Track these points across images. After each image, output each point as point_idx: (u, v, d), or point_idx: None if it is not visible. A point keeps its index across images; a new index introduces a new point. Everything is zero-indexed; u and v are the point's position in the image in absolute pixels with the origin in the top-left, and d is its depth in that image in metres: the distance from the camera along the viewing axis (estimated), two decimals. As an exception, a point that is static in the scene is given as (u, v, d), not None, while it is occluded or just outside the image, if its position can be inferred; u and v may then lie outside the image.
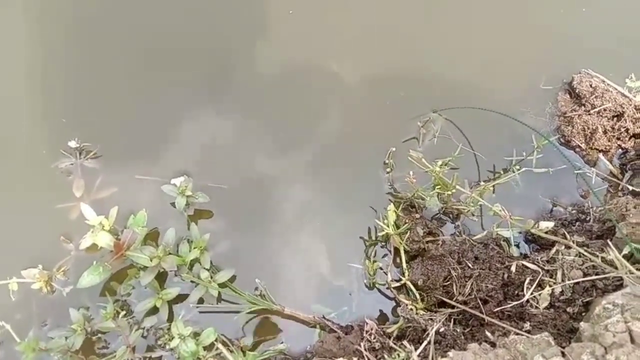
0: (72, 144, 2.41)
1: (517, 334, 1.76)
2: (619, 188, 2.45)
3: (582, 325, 1.66)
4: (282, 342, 2.13)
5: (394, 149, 2.48)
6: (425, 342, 1.81)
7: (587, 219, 2.33)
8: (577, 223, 2.33)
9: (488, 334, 1.83)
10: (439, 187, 2.26)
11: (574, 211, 2.39)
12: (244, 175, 2.47)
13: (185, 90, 2.64)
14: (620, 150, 2.53)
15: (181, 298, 2.18)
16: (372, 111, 2.65)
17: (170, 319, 2.14)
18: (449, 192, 2.25)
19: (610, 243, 1.89)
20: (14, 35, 2.74)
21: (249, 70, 2.70)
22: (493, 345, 1.76)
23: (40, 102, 2.59)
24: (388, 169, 2.48)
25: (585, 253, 1.93)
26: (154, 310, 2.13)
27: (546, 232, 2.11)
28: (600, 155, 2.50)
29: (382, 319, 2.20)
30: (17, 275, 2.14)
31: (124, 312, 2.10)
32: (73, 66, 2.68)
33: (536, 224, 2.09)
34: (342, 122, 2.61)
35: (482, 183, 2.32)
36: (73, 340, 2.00)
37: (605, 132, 2.49)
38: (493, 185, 2.29)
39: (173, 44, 2.74)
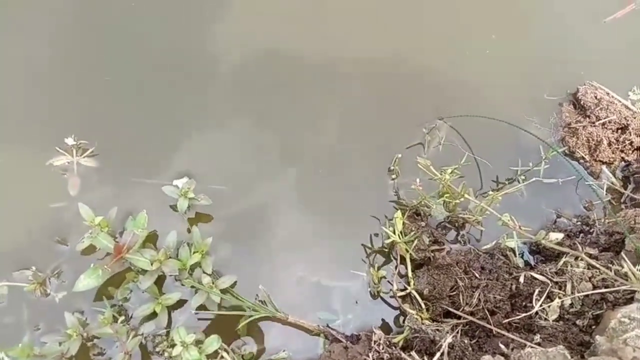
0: (69, 141, 2.32)
1: (531, 347, 1.73)
2: (622, 200, 2.45)
3: (598, 339, 1.64)
4: (284, 351, 2.07)
5: (399, 156, 2.45)
6: (438, 354, 1.76)
7: (591, 230, 2.32)
8: (582, 235, 2.32)
9: (501, 345, 1.80)
10: (446, 195, 2.23)
11: (578, 222, 2.38)
12: (245, 178, 2.41)
13: (186, 91, 2.58)
14: (623, 162, 2.53)
15: (180, 303, 2.11)
16: (377, 117, 2.61)
17: (169, 325, 2.06)
18: (456, 201, 2.22)
19: (624, 256, 1.88)
20: (13, 31, 2.65)
21: (249, 73, 2.65)
22: (506, 357, 1.73)
23: (36, 97, 2.50)
24: (393, 176, 2.44)
25: (598, 265, 1.91)
26: (153, 316, 2.05)
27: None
28: (604, 167, 2.50)
29: (386, 328, 2.16)
30: (8, 277, 2.05)
31: (122, 318, 2.01)
32: (73, 62, 2.60)
33: (546, 235, 2.07)
34: (346, 127, 2.57)
35: (490, 192, 2.30)
36: (68, 346, 1.90)
37: (609, 144, 2.49)
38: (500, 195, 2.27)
39: (172, 44, 2.69)
